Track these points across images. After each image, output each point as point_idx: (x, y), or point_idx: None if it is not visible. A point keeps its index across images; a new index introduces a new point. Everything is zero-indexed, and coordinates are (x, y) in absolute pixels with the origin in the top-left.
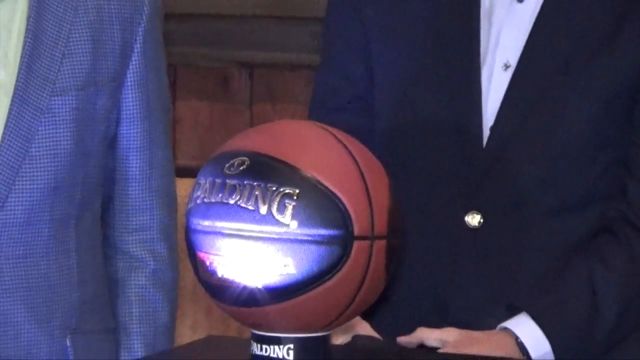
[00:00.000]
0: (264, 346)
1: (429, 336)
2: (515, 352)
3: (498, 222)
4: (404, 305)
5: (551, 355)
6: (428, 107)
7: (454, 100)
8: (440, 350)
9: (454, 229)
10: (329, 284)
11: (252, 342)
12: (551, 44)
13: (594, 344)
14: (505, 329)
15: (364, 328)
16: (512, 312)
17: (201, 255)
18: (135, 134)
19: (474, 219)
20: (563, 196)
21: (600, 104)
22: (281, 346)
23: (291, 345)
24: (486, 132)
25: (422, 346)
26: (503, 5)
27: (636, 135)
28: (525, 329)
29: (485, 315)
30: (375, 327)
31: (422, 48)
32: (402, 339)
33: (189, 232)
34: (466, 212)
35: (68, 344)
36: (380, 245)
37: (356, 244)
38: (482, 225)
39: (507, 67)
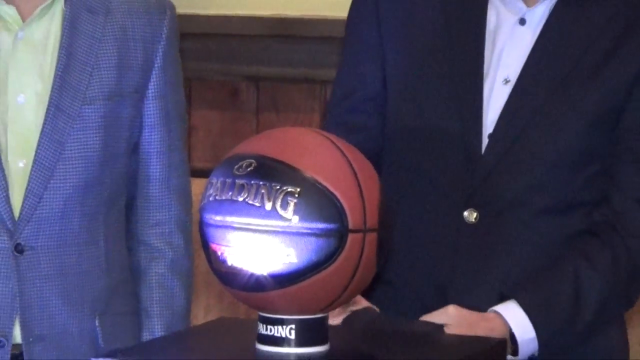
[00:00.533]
0: (269, 326)
1: (433, 319)
2: (505, 335)
3: (493, 219)
4: (409, 289)
5: (535, 342)
6: (434, 113)
7: (457, 109)
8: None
9: (453, 224)
10: (326, 271)
11: (259, 322)
12: (548, 65)
13: (574, 334)
14: (498, 315)
15: (361, 301)
16: (502, 300)
17: (213, 246)
18: (155, 140)
19: (471, 215)
20: (551, 200)
21: (588, 121)
22: (284, 326)
23: (293, 326)
24: (485, 140)
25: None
26: (507, 27)
27: (618, 150)
28: (514, 316)
29: (478, 299)
30: (380, 308)
31: (432, 59)
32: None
33: (202, 226)
34: (464, 209)
35: (97, 324)
36: (371, 237)
37: (350, 237)
38: (478, 221)
39: (506, 82)
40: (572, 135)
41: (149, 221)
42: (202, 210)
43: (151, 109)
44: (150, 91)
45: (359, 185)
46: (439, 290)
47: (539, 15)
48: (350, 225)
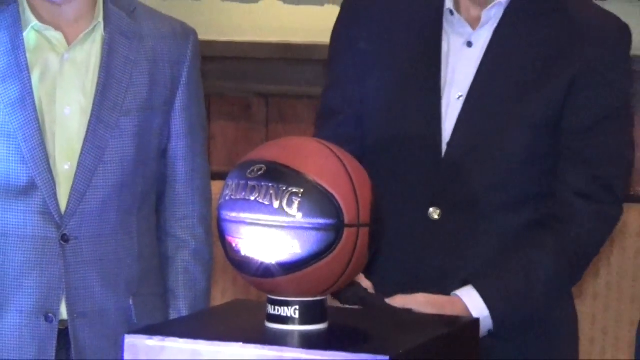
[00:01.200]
0: (276, 307)
1: (405, 303)
2: (468, 315)
3: (454, 215)
4: (383, 278)
5: (489, 320)
6: (402, 126)
7: (421, 121)
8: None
9: (420, 220)
10: (325, 260)
11: (268, 304)
12: (493, 81)
13: (526, 310)
14: (460, 298)
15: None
16: (464, 285)
17: (229, 238)
18: (181, 146)
19: (435, 213)
20: (505, 196)
21: (531, 128)
22: (289, 307)
23: (297, 307)
24: (444, 147)
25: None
26: (457, 49)
27: (560, 149)
28: (471, 297)
29: (446, 288)
30: None
31: (399, 81)
32: (387, 300)
33: (219, 221)
34: (429, 207)
35: (131, 303)
36: (364, 231)
37: (346, 231)
38: (441, 218)
39: (460, 97)
40: (520, 140)
41: (175, 216)
42: (219, 207)
43: (177, 120)
44: (176, 105)
45: (354, 187)
46: (411, 280)
47: (484, 37)
48: (346, 221)
